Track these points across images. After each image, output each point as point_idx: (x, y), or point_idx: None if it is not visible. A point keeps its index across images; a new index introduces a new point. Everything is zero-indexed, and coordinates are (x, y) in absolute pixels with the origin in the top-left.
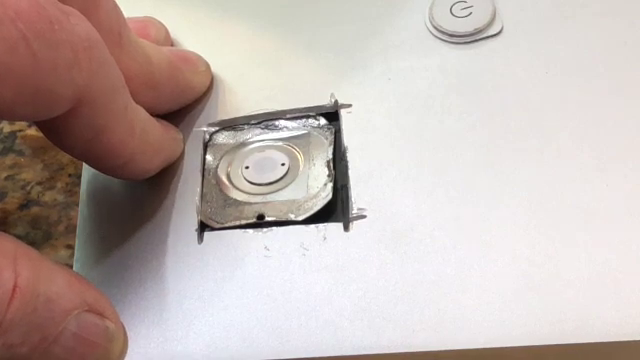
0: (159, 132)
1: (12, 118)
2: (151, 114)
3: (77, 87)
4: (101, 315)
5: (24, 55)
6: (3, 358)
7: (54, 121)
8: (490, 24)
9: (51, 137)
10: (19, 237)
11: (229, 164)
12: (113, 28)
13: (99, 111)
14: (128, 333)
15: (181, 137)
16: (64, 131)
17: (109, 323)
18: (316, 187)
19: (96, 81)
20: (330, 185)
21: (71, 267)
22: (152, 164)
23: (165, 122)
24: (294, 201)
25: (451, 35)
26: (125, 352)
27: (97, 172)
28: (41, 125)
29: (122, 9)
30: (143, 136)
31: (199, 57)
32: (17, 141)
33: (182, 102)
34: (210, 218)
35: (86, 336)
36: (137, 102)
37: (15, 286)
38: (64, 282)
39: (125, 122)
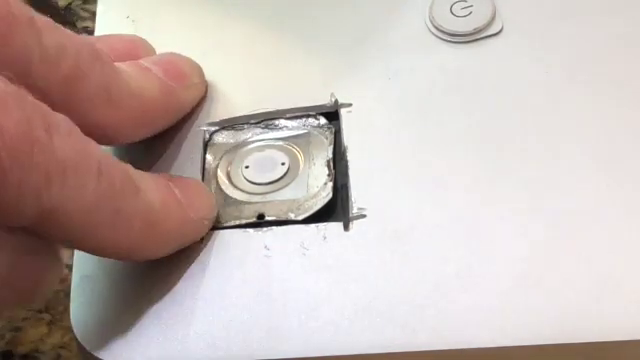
0: (174, 220)
1: None
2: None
3: (41, 208)
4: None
5: None
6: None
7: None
8: (490, 24)
9: None
10: None
11: (229, 163)
12: (100, 92)
13: (71, 227)
14: (127, 333)
15: (210, 217)
16: (39, 234)
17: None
18: (316, 186)
19: (67, 204)
20: (330, 184)
21: (70, 268)
22: (159, 253)
23: (196, 188)
24: (294, 200)
25: (451, 35)
26: None
27: None
28: None
29: (122, 10)
30: (146, 230)
31: (192, 66)
32: None
33: (173, 122)
34: None
35: None
36: (133, 139)
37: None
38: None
39: (112, 228)
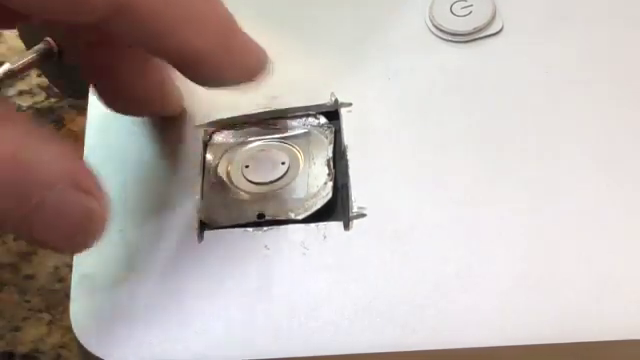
0: (242, 41)
1: (52, 17)
2: None
3: None
4: (86, 193)
5: None
6: None
7: (102, 24)
8: (490, 23)
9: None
10: None
11: (229, 163)
12: None
13: (147, 19)
14: (127, 333)
15: (265, 59)
16: (116, 32)
17: (93, 203)
18: (316, 186)
19: None
20: (330, 184)
21: (70, 268)
22: (224, 74)
23: (254, 41)
24: (294, 200)
25: (451, 34)
26: (104, 230)
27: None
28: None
29: None
30: (215, 39)
31: None
32: None
33: None
34: (210, 217)
35: (67, 211)
36: None
37: None
38: (53, 153)
39: (187, 25)
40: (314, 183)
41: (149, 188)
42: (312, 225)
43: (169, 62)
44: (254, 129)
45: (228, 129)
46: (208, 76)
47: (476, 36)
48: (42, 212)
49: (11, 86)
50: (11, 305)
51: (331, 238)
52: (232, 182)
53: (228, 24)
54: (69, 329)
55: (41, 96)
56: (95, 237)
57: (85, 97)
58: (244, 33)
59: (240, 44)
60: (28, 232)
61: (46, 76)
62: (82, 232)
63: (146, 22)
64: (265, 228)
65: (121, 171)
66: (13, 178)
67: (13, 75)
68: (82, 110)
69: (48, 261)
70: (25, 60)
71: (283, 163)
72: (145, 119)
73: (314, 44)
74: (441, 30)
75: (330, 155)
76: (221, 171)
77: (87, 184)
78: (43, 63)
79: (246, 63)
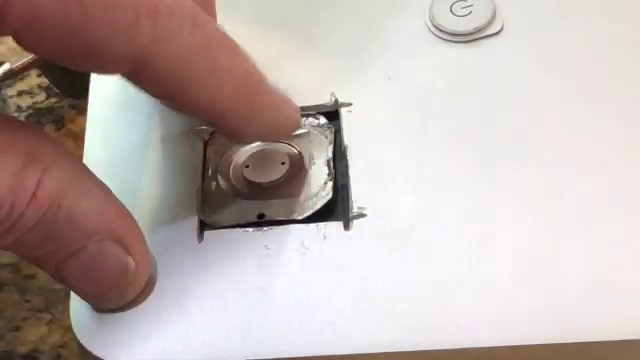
0: (268, 98)
1: (73, 67)
2: None
3: (134, 50)
4: (125, 250)
5: (75, 10)
6: (20, 254)
7: (123, 76)
8: (490, 23)
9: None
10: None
11: (229, 163)
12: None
13: (166, 76)
14: (127, 333)
15: (296, 119)
16: (138, 85)
17: (130, 260)
18: (316, 186)
19: (160, 48)
20: (330, 184)
21: None
22: (249, 130)
23: (288, 98)
24: (294, 200)
25: (451, 34)
26: (139, 290)
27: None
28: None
29: None
30: (242, 95)
31: None
32: None
33: None
34: (210, 217)
35: (103, 264)
36: None
37: (33, 194)
38: (96, 205)
39: (209, 82)
40: (314, 183)
41: (149, 188)
42: (312, 225)
43: (193, 116)
44: None
45: None
46: (232, 132)
47: (476, 36)
48: (78, 259)
49: (11, 86)
50: (11, 305)
51: (331, 238)
52: (232, 182)
53: (254, 80)
54: (69, 329)
55: (41, 96)
56: (127, 294)
57: (85, 97)
58: (273, 89)
59: (267, 101)
60: (62, 276)
61: (46, 76)
62: (115, 286)
63: (165, 79)
64: (265, 228)
65: (121, 171)
66: (55, 225)
67: (13, 75)
68: (82, 110)
69: None
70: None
71: (283, 163)
72: (145, 119)
73: (314, 44)
74: (441, 30)
75: (330, 155)
76: (221, 171)
77: (127, 241)
78: (43, 63)
79: (273, 120)
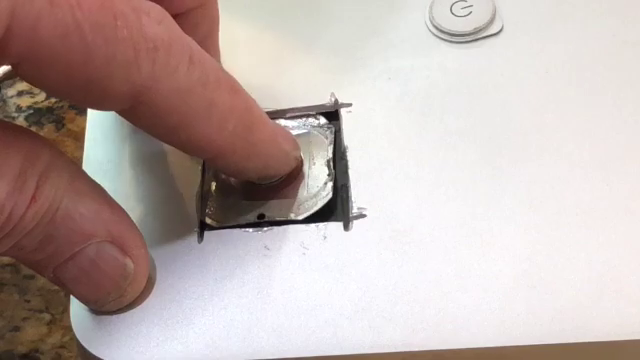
0: (266, 134)
1: (71, 102)
2: None
3: (133, 86)
4: (124, 251)
5: (76, 45)
6: (18, 258)
7: (121, 113)
8: (490, 23)
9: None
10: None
11: None
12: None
13: (164, 113)
14: (127, 333)
15: (295, 154)
16: (135, 123)
17: (129, 261)
18: (316, 186)
19: (158, 84)
20: (330, 184)
21: None
22: (248, 167)
23: (287, 132)
24: (294, 200)
25: (451, 34)
26: (139, 291)
27: (97, 171)
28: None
29: None
30: (241, 132)
31: None
32: None
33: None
34: (210, 217)
35: (102, 266)
36: None
37: (33, 196)
38: (94, 207)
39: (207, 120)
40: (314, 183)
41: (149, 188)
42: (312, 225)
43: (191, 154)
44: None
45: None
46: (231, 169)
47: (476, 36)
48: (77, 263)
49: (11, 86)
50: (11, 305)
51: (331, 238)
52: (232, 183)
53: (253, 117)
54: (69, 329)
55: (41, 96)
56: (126, 296)
57: None
58: (272, 124)
59: (266, 137)
60: (61, 280)
61: None
62: (114, 288)
63: (163, 116)
64: (265, 228)
65: (121, 171)
66: (53, 227)
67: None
68: (82, 110)
69: None
70: None
71: None
72: None
73: (314, 44)
74: (441, 30)
75: (330, 155)
76: (221, 171)
77: (125, 242)
78: None
79: (273, 156)
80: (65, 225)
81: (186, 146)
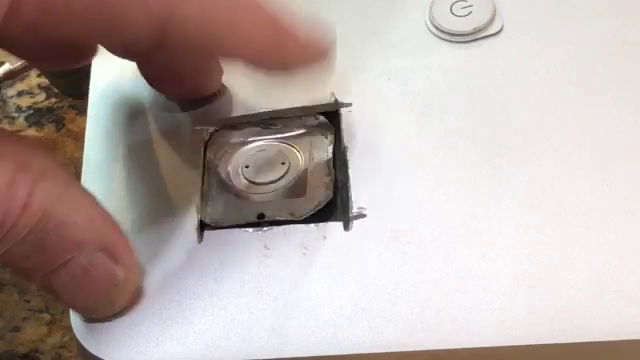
0: (297, 36)
1: (99, 42)
2: None
3: (154, 15)
4: (114, 260)
5: None
6: (8, 265)
7: (155, 59)
8: (490, 23)
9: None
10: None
11: (229, 163)
12: None
13: (190, 28)
14: (127, 333)
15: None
16: (164, 60)
17: (119, 269)
18: (316, 186)
19: (178, 8)
20: (330, 184)
21: None
22: (288, 62)
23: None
24: (294, 200)
25: (451, 34)
26: (129, 299)
27: (97, 171)
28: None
29: None
30: (271, 35)
31: None
32: None
33: None
34: (210, 217)
35: (94, 274)
36: None
37: (26, 204)
38: (86, 215)
39: (237, 25)
40: (314, 183)
41: (149, 188)
42: (312, 225)
43: (234, 61)
44: (254, 129)
45: (228, 129)
46: (273, 67)
47: (476, 36)
48: (68, 270)
49: (11, 86)
50: (11, 305)
51: (331, 238)
52: (232, 182)
53: (276, 17)
54: (69, 329)
55: (41, 96)
56: (117, 304)
57: (85, 97)
58: (297, 20)
59: (295, 31)
60: (52, 287)
61: (46, 76)
62: (104, 296)
63: (193, 32)
64: (265, 228)
65: (121, 171)
66: (45, 235)
67: (13, 75)
68: (82, 110)
69: None
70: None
71: (283, 163)
72: (145, 119)
73: None
74: (441, 30)
75: (330, 155)
76: (221, 171)
77: (116, 251)
78: None
79: (307, 48)
80: (57, 233)
81: (226, 53)
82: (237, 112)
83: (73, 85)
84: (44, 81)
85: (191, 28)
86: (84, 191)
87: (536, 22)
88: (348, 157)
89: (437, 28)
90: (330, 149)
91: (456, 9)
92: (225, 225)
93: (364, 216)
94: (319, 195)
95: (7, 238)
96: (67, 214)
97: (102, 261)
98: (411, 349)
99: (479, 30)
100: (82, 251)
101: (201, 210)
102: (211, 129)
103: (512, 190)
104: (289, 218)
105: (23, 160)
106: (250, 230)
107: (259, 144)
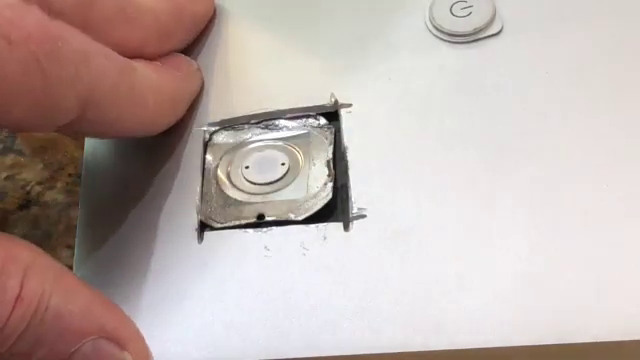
0: (173, 83)
1: (20, 131)
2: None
3: (80, 98)
4: (120, 346)
5: (36, 75)
6: None
7: (65, 127)
8: (490, 24)
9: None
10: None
11: (229, 164)
12: (117, 12)
13: (106, 109)
14: None
15: (194, 67)
16: (78, 132)
17: (127, 355)
18: (316, 187)
19: (96, 88)
20: (330, 185)
21: (71, 267)
22: (175, 113)
23: (177, 58)
24: (294, 201)
25: (451, 35)
26: None
27: (97, 172)
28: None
29: None
30: (158, 98)
31: None
32: (17, 141)
33: (190, 37)
34: (210, 218)
35: None
36: (159, 53)
37: (18, 296)
38: (83, 303)
39: (134, 100)
40: (314, 184)
41: (149, 189)
42: (312, 226)
43: (121, 135)
44: (254, 129)
45: (228, 130)
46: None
47: (476, 37)
48: None
49: None
50: None
51: (331, 239)
52: (232, 183)
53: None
54: None
55: None
56: None
57: None
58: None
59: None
60: None
61: None
62: None
63: (105, 113)
64: (265, 229)
65: (121, 172)
66: (45, 328)
67: None
68: None
69: None
70: None
71: (283, 164)
72: None
73: (314, 44)
74: (441, 31)
75: (330, 156)
76: (221, 172)
77: (121, 336)
78: None
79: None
80: (57, 325)
81: (125, 131)
82: (237, 112)
83: None
84: None
85: (104, 104)
86: (78, 279)
87: (536, 22)
88: (348, 158)
89: (437, 29)
90: (330, 149)
91: (456, 10)
92: (225, 225)
93: (364, 216)
94: (319, 196)
95: (5, 334)
96: (65, 304)
97: (107, 349)
98: (411, 349)
99: (479, 30)
100: (86, 341)
101: (201, 210)
102: (211, 129)
103: (512, 190)
104: (289, 218)
105: (10, 252)
106: (250, 230)
107: (259, 144)
